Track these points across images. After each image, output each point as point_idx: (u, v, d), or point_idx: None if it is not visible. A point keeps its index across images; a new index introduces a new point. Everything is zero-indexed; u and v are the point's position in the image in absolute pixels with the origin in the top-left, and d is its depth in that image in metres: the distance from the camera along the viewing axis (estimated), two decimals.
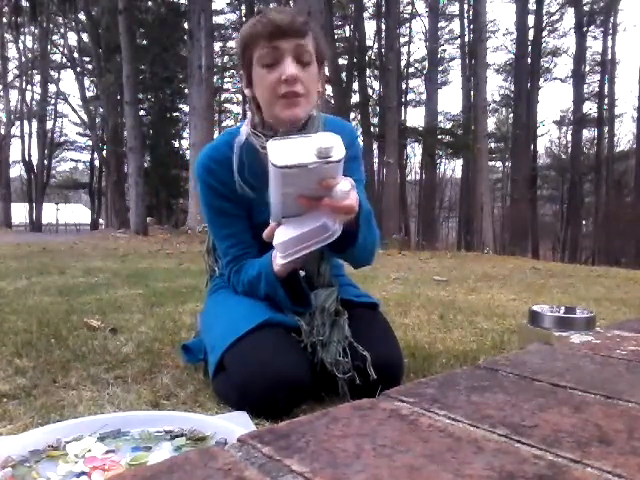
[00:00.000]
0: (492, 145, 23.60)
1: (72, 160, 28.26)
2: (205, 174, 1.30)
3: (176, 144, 20.52)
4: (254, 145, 1.28)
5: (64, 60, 21.93)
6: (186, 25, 13.15)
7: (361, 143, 1.45)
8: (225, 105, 25.93)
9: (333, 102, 15.41)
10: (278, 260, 1.14)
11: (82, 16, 17.82)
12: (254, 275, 1.28)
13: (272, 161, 0.99)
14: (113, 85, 15.22)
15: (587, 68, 21.93)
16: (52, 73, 22.58)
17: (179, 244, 8.17)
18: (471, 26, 19.67)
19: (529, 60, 18.35)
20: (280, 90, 1.19)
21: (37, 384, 1.31)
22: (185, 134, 19.60)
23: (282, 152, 1.00)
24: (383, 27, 17.34)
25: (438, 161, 22.84)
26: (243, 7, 20.57)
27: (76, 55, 20.64)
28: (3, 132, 22.02)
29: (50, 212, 25.72)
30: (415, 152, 24.91)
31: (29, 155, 23.67)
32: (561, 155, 27.62)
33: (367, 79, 19.30)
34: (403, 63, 21.87)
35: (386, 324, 1.36)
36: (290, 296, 1.26)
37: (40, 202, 23.08)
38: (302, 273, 1.30)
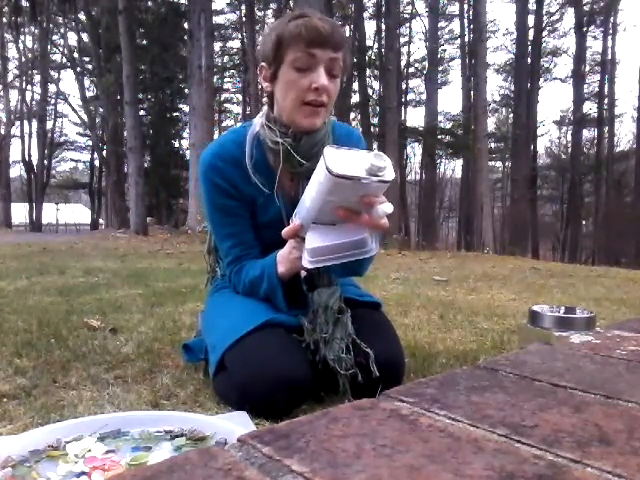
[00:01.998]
0: (492, 145, 23.60)
1: (72, 160, 28.29)
2: (210, 171, 1.29)
3: (176, 144, 20.54)
4: (264, 139, 1.28)
5: (64, 60, 21.95)
6: (186, 25, 13.15)
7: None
8: (225, 105, 25.96)
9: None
10: (304, 264, 1.13)
11: (82, 16, 17.83)
12: (256, 275, 1.28)
13: (329, 167, 0.99)
14: (113, 85, 15.22)
15: (587, 68, 21.93)
16: (52, 73, 22.57)
17: (179, 244, 8.17)
18: (471, 26, 19.66)
19: (529, 60, 18.34)
20: (307, 97, 1.20)
21: (37, 384, 1.31)
22: (185, 134, 19.62)
23: (338, 161, 1.00)
24: (383, 27, 17.33)
25: (438, 161, 22.86)
26: (243, 7, 20.55)
27: (76, 55, 20.64)
28: (3, 132, 22.03)
29: (50, 212, 25.73)
30: (415, 152, 24.93)
31: (29, 155, 23.69)
32: (561, 155, 27.61)
33: (367, 79, 19.30)
34: (403, 63, 21.86)
35: (388, 323, 1.36)
36: (289, 298, 1.26)
37: (40, 202, 23.08)
38: (303, 273, 1.30)
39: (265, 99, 1.31)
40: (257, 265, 1.29)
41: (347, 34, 19.42)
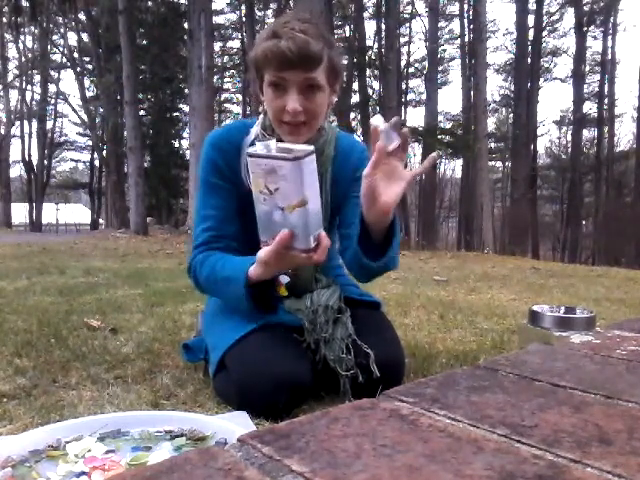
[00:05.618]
0: (492, 145, 23.62)
1: (72, 160, 28.36)
2: (212, 150, 1.29)
3: (176, 144, 20.51)
4: None
5: (64, 60, 21.94)
6: (186, 25, 13.14)
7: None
8: (225, 105, 25.96)
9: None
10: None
11: (82, 16, 17.82)
12: (225, 276, 1.20)
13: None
14: (113, 85, 15.22)
15: (587, 68, 21.93)
16: (52, 73, 22.56)
17: (179, 244, 8.17)
18: (471, 26, 19.66)
19: (529, 60, 18.34)
20: (283, 117, 1.21)
21: (37, 384, 1.31)
22: (185, 134, 19.60)
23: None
24: (383, 27, 17.31)
25: (438, 161, 22.83)
26: (243, 7, 20.55)
27: (76, 55, 20.64)
28: (3, 132, 22.03)
29: (50, 212, 25.72)
30: (415, 152, 24.93)
31: (29, 155, 23.69)
32: (561, 155, 27.61)
33: (367, 79, 19.27)
34: (403, 63, 21.87)
35: (388, 323, 1.36)
36: (260, 303, 1.19)
37: (40, 202, 23.08)
38: (286, 279, 1.27)
39: (262, 108, 1.31)
40: (226, 266, 1.21)
41: (347, 34, 19.43)
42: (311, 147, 1.00)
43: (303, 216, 1.00)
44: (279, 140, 1.26)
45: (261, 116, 1.32)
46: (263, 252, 1.09)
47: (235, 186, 1.29)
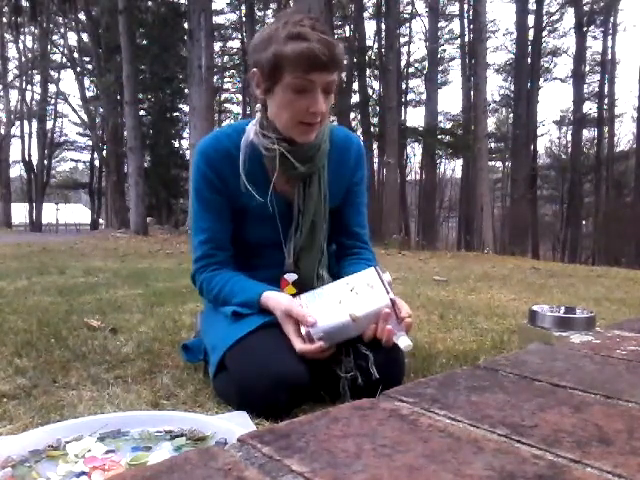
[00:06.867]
0: (492, 145, 23.65)
1: (72, 160, 28.42)
2: (202, 162, 1.30)
3: (176, 144, 20.50)
4: (257, 146, 1.28)
5: (64, 60, 21.94)
6: (186, 25, 13.13)
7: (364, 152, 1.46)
8: (225, 105, 25.97)
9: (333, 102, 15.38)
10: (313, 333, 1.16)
11: (82, 16, 17.82)
12: (238, 301, 1.27)
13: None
14: (113, 85, 15.23)
15: (587, 68, 21.95)
16: (52, 73, 22.57)
17: (179, 244, 8.17)
18: (471, 26, 19.66)
19: (529, 60, 18.33)
20: (304, 118, 1.21)
21: (37, 384, 1.31)
22: (185, 134, 19.60)
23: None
24: (383, 27, 17.33)
25: (438, 161, 22.85)
26: (243, 7, 20.55)
27: (76, 55, 20.64)
28: (3, 132, 22.04)
29: (50, 212, 25.74)
30: (415, 152, 24.95)
31: (29, 155, 23.72)
32: (561, 155, 27.62)
33: (367, 79, 19.30)
34: (403, 63, 21.89)
35: None
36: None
37: (40, 202, 23.09)
38: (293, 277, 1.31)
39: (258, 105, 1.30)
40: (237, 293, 1.28)
41: (347, 34, 19.44)
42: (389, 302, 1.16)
43: (341, 322, 1.14)
44: (284, 139, 1.26)
45: (258, 114, 1.31)
46: (286, 301, 1.20)
47: (226, 195, 1.30)
